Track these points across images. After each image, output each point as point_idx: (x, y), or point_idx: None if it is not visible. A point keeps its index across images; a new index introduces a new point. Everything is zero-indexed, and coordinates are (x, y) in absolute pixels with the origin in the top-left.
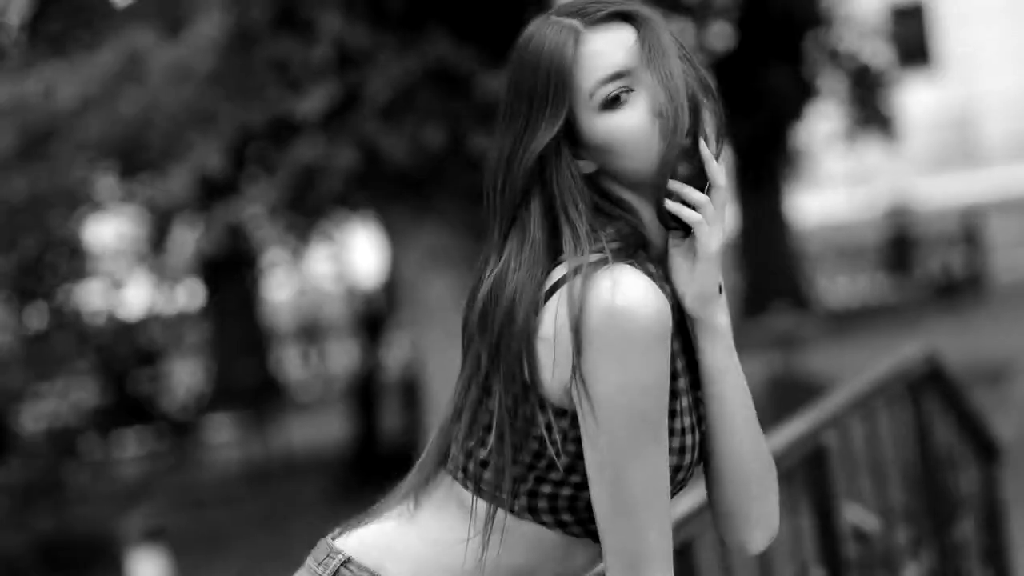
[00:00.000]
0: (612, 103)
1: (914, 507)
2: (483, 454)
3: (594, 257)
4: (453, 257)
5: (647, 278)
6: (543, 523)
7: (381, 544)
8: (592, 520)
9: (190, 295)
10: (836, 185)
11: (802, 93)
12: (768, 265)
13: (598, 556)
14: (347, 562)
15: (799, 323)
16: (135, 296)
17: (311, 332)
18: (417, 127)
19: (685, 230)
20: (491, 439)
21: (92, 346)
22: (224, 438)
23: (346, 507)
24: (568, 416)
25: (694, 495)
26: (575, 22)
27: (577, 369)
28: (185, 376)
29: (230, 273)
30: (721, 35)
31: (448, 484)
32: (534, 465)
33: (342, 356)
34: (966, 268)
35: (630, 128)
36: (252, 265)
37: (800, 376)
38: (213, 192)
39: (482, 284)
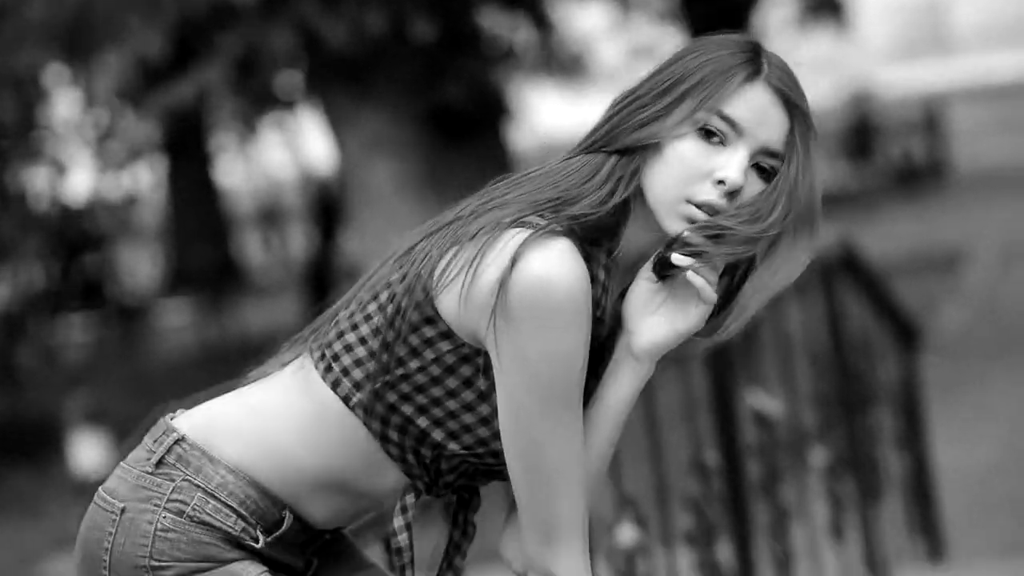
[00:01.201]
0: (715, 138)
1: (825, 393)
2: (351, 338)
3: (545, 222)
4: (395, 144)
5: (578, 256)
6: (371, 430)
7: (215, 424)
8: (408, 450)
9: (137, 181)
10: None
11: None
12: None
13: (401, 496)
14: (180, 440)
15: None
16: (82, 181)
17: (271, 218)
18: (357, 11)
19: (661, 277)
20: (366, 328)
21: (38, 229)
22: (179, 322)
23: None
24: (450, 340)
25: None
26: (756, 68)
27: (493, 326)
28: (139, 261)
29: (186, 159)
30: None
31: (301, 365)
32: (390, 369)
33: (303, 242)
34: (927, 156)
35: (733, 179)
36: (204, 150)
37: None
38: (156, 79)
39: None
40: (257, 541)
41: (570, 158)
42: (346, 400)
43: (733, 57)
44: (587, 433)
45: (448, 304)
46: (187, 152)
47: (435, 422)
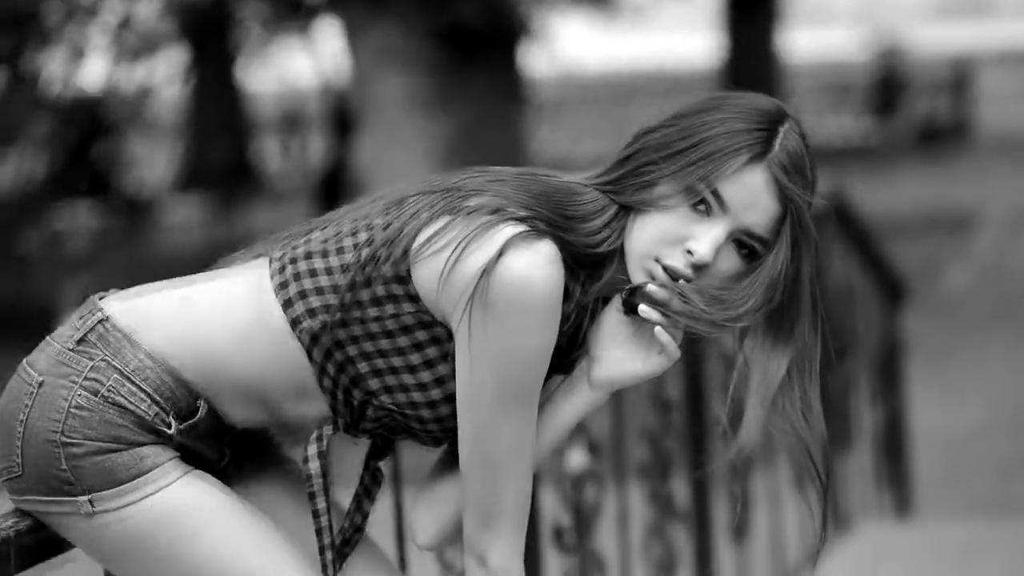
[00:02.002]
0: (701, 207)
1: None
2: (319, 264)
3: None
4: (406, 58)
5: (560, 265)
6: (311, 358)
7: (145, 309)
8: (340, 387)
9: (153, 73)
10: (836, 23)
11: None
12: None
13: (324, 418)
14: (104, 320)
15: None
16: (97, 69)
17: (291, 124)
18: None
19: (631, 312)
20: (335, 260)
21: (50, 113)
22: (188, 219)
23: None
24: (414, 304)
25: None
26: (764, 150)
27: (468, 312)
28: (151, 155)
29: (208, 57)
30: None
31: (256, 271)
32: (349, 308)
33: (320, 150)
34: (951, 117)
35: (701, 254)
36: (228, 48)
37: None
38: None
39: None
40: (170, 428)
41: (586, 186)
42: (294, 323)
43: (747, 135)
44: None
45: (425, 275)
46: (209, 50)
47: (375, 372)
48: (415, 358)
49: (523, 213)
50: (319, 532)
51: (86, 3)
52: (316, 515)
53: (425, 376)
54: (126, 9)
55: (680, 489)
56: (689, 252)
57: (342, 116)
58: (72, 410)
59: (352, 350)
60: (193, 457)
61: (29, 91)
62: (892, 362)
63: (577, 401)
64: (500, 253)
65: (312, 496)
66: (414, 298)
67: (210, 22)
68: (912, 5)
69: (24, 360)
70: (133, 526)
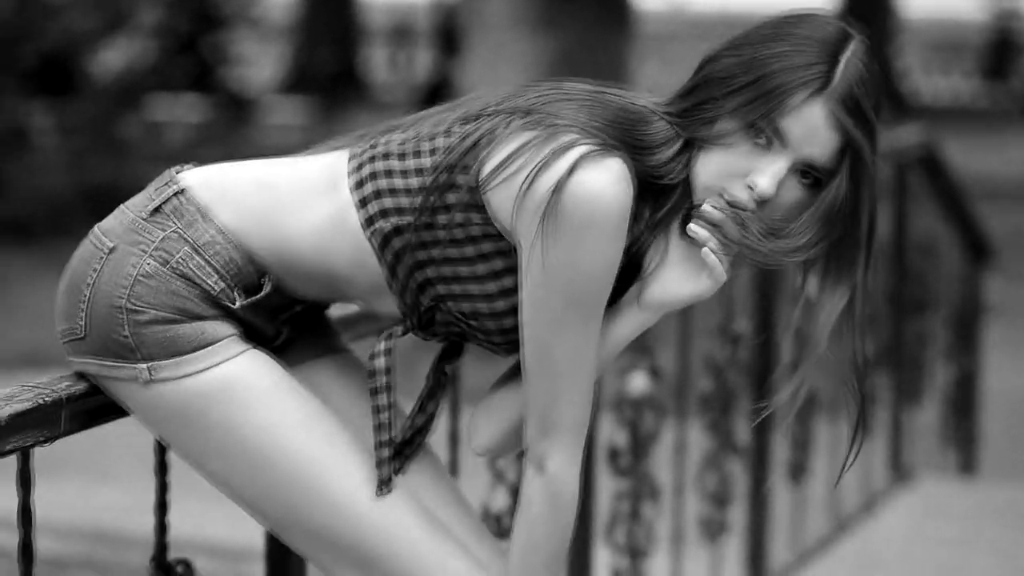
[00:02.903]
0: (767, 144)
1: (877, 288)
2: (396, 165)
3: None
4: None
5: (630, 183)
6: (382, 259)
7: (222, 186)
8: (409, 291)
9: None
10: None
11: None
12: None
13: (389, 326)
14: (180, 193)
15: None
16: None
17: (401, 36)
18: None
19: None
20: (413, 163)
21: (160, 1)
22: (290, 121)
23: None
24: (483, 216)
25: None
26: (825, 82)
27: (539, 228)
28: (259, 54)
29: None
30: None
31: (335, 165)
32: (422, 212)
33: (428, 64)
34: None
35: (762, 188)
36: None
37: None
38: None
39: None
40: (234, 303)
41: (655, 113)
42: (368, 222)
43: (806, 69)
44: None
45: (499, 196)
46: None
47: (442, 279)
48: (481, 268)
49: (595, 134)
50: (378, 428)
51: None
52: (377, 411)
53: (491, 286)
54: None
55: (740, 424)
56: (751, 186)
57: (449, 32)
58: (140, 278)
59: (421, 255)
60: (251, 333)
61: None
62: (971, 321)
63: (625, 323)
64: (571, 170)
65: (375, 391)
66: (482, 209)
67: None
68: None
69: (97, 226)
70: (188, 396)
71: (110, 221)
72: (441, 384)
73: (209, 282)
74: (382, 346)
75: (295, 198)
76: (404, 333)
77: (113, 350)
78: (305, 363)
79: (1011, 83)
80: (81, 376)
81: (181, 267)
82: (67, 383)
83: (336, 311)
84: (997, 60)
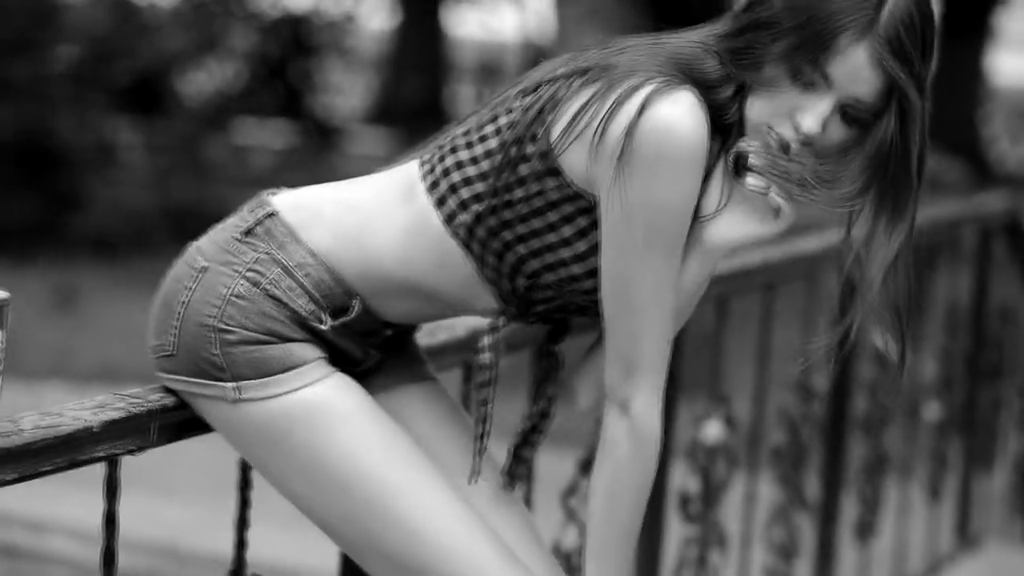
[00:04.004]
0: (812, 84)
1: (954, 352)
2: (464, 156)
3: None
4: (611, 19)
5: (702, 112)
6: (470, 251)
7: (312, 206)
8: (503, 276)
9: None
10: None
11: None
12: (950, 112)
13: (493, 311)
14: (272, 215)
15: (945, 167)
16: None
17: (489, 73)
18: None
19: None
20: (480, 148)
21: (253, 26)
22: (374, 151)
23: None
24: (557, 179)
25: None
26: (870, 23)
27: (614, 170)
28: (347, 83)
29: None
30: None
31: (408, 175)
32: (498, 192)
33: None
34: None
35: (808, 127)
36: None
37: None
38: None
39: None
40: (323, 324)
41: (710, 48)
42: (449, 219)
43: (851, 12)
44: None
45: (574, 154)
46: None
47: (533, 253)
48: (567, 230)
49: (658, 74)
50: (482, 420)
51: None
52: (483, 403)
53: (581, 246)
54: None
55: (811, 479)
56: (797, 126)
57: None
58: (231, 298)
59: (507, 235)
60: (339, 356)
61: (235, 2)
62: None
63: (692, 266)
64: (641, 109)
65: (481, 385)
66: (557, 173)
67: None
68: None
69: (192, 244)
70: (273, 417)
71: (204, 241)
72: (556, 366)
73: (299, 302)
74: (487, 340)
75: (376, 215)
76: (507, 323)
77: (202, 368)
78: (391, 389)
79: None
80: (170, 390)
81: (272, 288)
82: (158, 395)
83: (423, 339)
84: None
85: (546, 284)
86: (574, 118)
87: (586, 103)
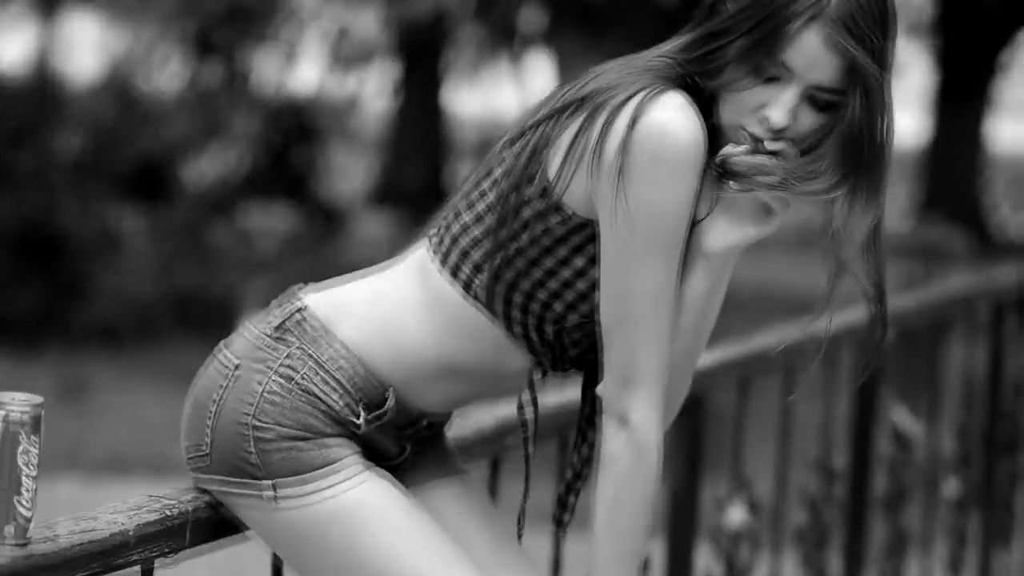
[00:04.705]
0: (775, 78)
1: (972, 427)
2: (468, 218)
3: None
4: None
5: (694, 111)
6: (493, 312)
7: (339, 300)
8: (531, 328)
9: (363, 84)
10: None
11: (1018, 14)
12: (950, 180)
13: (528, 370)
14: (302, 310)
15: (948, 237)
16: (309, 73)
17: (489, 150)
18: None
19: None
20: (482, 205)
21: (257, 112)
22: (378, 233)
23: None
24: (559, 212)
25: (714, 354)
26: (820, 7)
27: (612, 181)
28: (349, 165)
29: (417, 75)
30: None
31: (419, 256)
32: (507, 244)
33: None
34: None
35: (775, 120)
36: (437, 71)
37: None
38: None
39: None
40: (358, 418)
41: (678, 66)
42: (467, 286)
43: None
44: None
45: (575, 186)
46: (419, 68)
47: (554, 295)
48: (580, 261)
49: (640, 84)
50: (526, 478)
51: (308, 6)
52: (526, 460)
53: (596, 273)
54: (345, 17)
55: (834, 559)
56: (765, 120)
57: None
58: (265, 395)
59: (525, 284)
60: (374, 451)
61: (240, 87)
62: None
63: (698, 275)
64: (633, 122)
65: (526, 442)
66: (557, 207)
67: (426, 39)
68: None
69: (222, 343)
70: (310, 516)
71: (234, 339)
72: (595, 409)
73: (333, 398)
74: (527, 396)
75: (399, 302)
76: (544, 376)
77: (238, 467)
78: (424, 483)
79: None
80: (204, 490)
81: (306, 384)
82: (192, 495)
83: (451, 432)
84: None
85: (573, 326)
86: (569, 150)
87: (577, 132)
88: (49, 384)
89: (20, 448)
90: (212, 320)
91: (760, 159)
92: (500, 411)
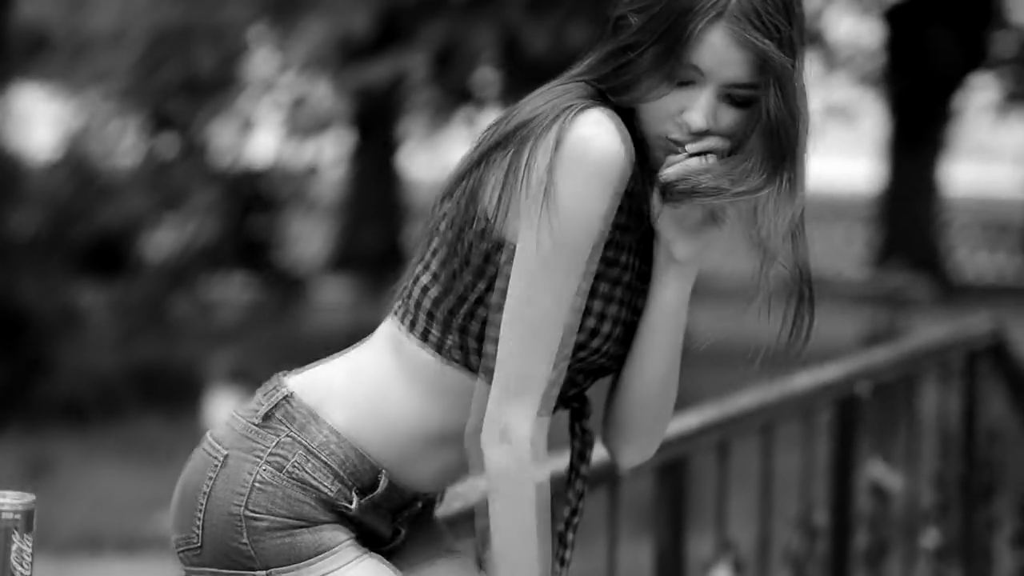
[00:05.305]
0: (689, 81)
1: (949, 476)
2: (425, 279)
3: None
4: None
5: (617, 125)
6: (470, 369)
7: (324, 384)
8: None
9: (320, 152)
10: (1000, 161)
11: (967, 59)
12: (906, 225)
13: None
14: (288, 397)
15: (911, 283)
16: (267, 143)
17: None
18: (562, 22)
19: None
20: (435, 263)
21: (214, 184)
22: (337, 300)
23: None
24: (504, 250)
25: (693, 418)
26: (721, 7)
27: (541, 193)
28: (309, 232)
29: (372, 140)
30: None
31: (388, 327)
32: (467, 296)
33: None
34: None
35: (695, 123)
36: (391, 135)
37: (899, 335)
38: (354, 55)
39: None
40: (351, 503)
41: (585, 83)
42: (439, 348)
43: (699, 1)
44: (645, 336)
45: (511, 218)
46: (374, 134)
47: None
48: None
49: (560, 108)
50: None
51: (263, 77)
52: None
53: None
54: (301, 87)
55: None
56: (685, 124)
57: None
58: (257, 484)
59: (492, 332)
60: (368, 535)
61: (197, 159)
62: None
63: (673, 284)
64: (557, 143)
65: None
66: (500, 244)
67: (382, 105)
68: None
69: (208, 434)
70: None
71: (222, 430)
72: (588, 443)
73: (326, 484)
74: None
75: (379, 379)
76: None
77: (231, 558)
78: (418, 565)
79: None
80: None
81: (297, 471)
82: None
83: (441, 511)
84: None
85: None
86: (503, 185)
87: (508, 167)
88: (14, 464)
89: (14, 547)
90: (175, 393)
91: (693, 163)
92: (484, 484)
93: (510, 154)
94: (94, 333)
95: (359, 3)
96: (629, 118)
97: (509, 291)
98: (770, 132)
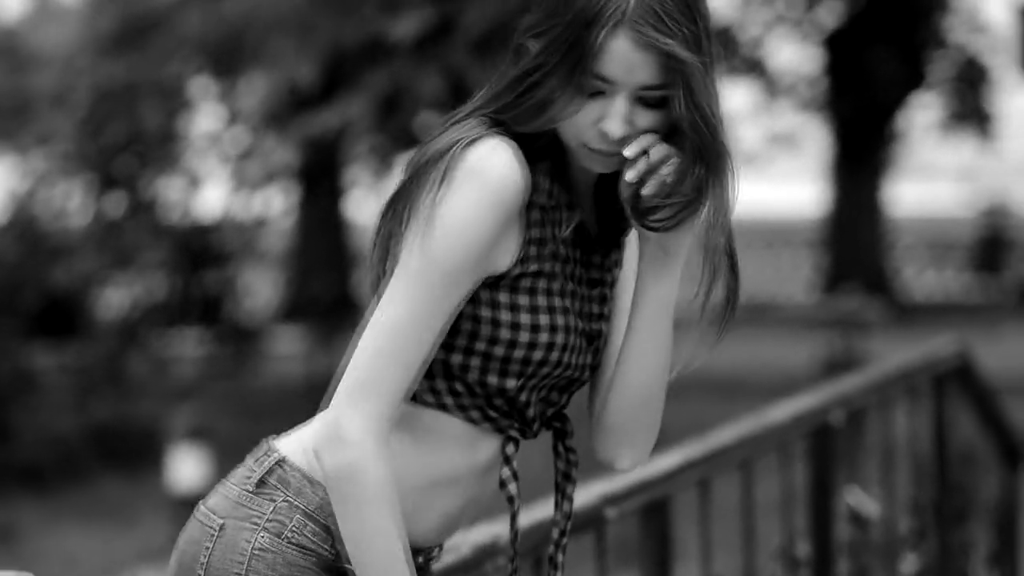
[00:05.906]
0: (600, 91)
1: (924, 500)
2: None
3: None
4: None
5: (512, 150)
6: (446, 408)
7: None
8: (487, 408)
9: (268, 204)
10: (943, 179)
11: (908, 79)
12: (853, 248)
13: (501, 450)
14: (281, 462)
15: (864, 306)
16: (215, 197)
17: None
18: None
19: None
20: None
21: (164, 240)
22: (291, 350)
23: None
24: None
25: (675, 456)
26: (620, 15)
27: (429, 210)
28: (259, 284)
29: (319, 189)
30: (832, 11)
31: None
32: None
33: None
34: None
35: (612, 132)
36: (337, 183)
37: (857, 359)
38: (300, 105)
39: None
40: (351, 565)
41: (486, 115)
42: (412, 397)
43: (595, 10)
44: (637, 332)
45: None
46: (320, 182)
47: (481, 370)
48: (504, 333)
49: (456, 140)
50: (512, 542)
51: (209, 131)
52: (515, 536)
53: (523, 336)
54: (247, 140)
55: None
56: (604, 134)
57: None
58: (255, 552)
59: (456, 360)
60: None
61: (146, 216)
62: (1010, 525)
63: (661, 282)
64: (445, 172)
65: (514, 518)
66: None
67: (328, 156)
68: (1016, 161)
69: (200, 504)
70: None
71: (215, 499)
72: (572, 463)
73: (325, 547)
74: (507, 472)
75: None
76: (517, 448)
77: None
78: None
79: (1003, 277)
80: None
81: (296, 536)
82: None
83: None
84: (988, 255)
85: (515, 389)
86: (401, 222)
87: (406, 205)
88: None
89: None
90: (135, 452)
91: (640, 165)
92: (475, 536)
93: (410, 194)
94: (50, 396)
95: (303, 53)
96: (535, 141)
97: (384, 289)
98: (687, 129)
